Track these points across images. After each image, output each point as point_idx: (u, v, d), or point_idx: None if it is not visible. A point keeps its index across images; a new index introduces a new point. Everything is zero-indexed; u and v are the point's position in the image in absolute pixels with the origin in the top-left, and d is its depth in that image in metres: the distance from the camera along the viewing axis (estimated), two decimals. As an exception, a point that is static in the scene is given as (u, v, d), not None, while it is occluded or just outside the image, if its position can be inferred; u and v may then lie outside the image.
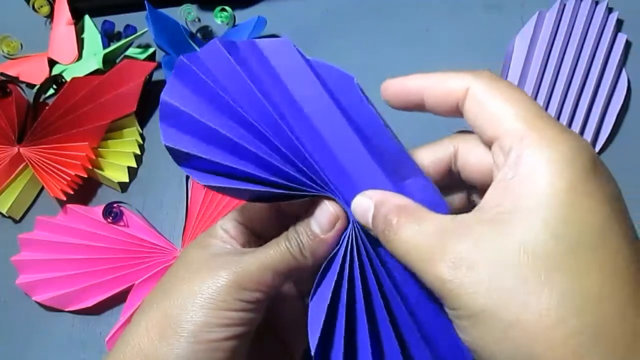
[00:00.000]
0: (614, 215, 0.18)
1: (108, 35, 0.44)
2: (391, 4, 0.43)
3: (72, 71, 0.42)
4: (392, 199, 0.22)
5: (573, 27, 0.40)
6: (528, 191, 0.18)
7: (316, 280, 0.23)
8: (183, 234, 0.37)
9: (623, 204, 0.20)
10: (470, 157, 0.22)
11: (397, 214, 0.21)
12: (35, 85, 0.42)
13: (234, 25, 0.42)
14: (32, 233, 0.38)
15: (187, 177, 0.38)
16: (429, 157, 0.24)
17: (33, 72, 0.43)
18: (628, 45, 0.40)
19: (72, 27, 0.44)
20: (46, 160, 0.39)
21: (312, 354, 0.21)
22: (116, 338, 0.34)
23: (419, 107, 0.23)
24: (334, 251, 0.23)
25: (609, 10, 0.40)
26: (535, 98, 0.39)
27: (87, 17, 0.45)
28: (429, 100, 0.22)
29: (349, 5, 0.44)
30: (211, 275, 0.23)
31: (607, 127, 0.38)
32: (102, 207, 0.38)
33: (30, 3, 0.44)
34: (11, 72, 0.43)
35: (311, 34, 0.43)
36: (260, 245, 0.25)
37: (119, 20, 0.45)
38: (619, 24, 0.41)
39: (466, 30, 0.42)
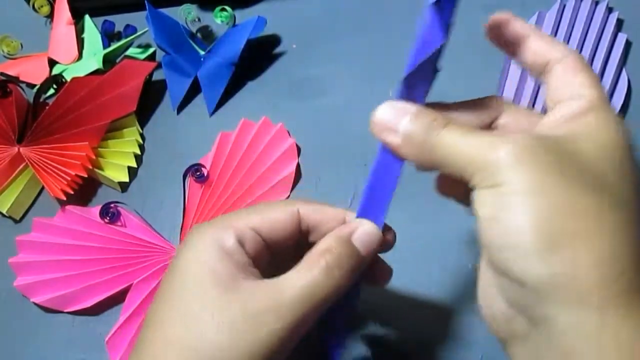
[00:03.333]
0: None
1: (108, 35, 0.45)
2: (391, 4, 0.43)
3: (72, 71, 0.42)
4: (429, 111, 0.22)
5: (573, 27, 0.40)
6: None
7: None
8: (180, 232, 0.37)
9: None
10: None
11: (443, 127, 0.21)
12: (35, 85, 0.42)
13: (234, 25, 0.42)
14: (29, 235, 0.38)
15: (184, 176, 0.39)
16: None
17: (33, 72, 0.43)
18: (628, 45, 0.40)
19: (72, 27, 0.44)
20: (46, 160, 0.39)
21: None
22: (116, 338, 0.34)
23: (510, 52, 0.24)
24: None
25: (609, 10, 0.40)
26: (535, 99, 0.39)
27: (87, 17, 0.45)
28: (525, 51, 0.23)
29: (349, 5, 0.44)
30: (251, 331, 0.21)
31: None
32: (100, 207, 0.38)
33: (31, 3, 0.44)
34: (11, 72, 0.43)
35: (311, 34, 0.43)
36: (274, 271, 0.22)
37: (119, 20, 0.45)
38: (619, 24, 0.41)
39: (466, 30, 0.42)
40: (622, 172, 0.19)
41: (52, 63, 0.43)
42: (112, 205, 0.38)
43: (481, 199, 0.19)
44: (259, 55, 0.43)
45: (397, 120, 0.22)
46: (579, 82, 0.21)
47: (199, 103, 0.42)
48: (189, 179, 0.39)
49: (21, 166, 0.39)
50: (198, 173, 0.38)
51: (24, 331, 0.37)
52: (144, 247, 0.37)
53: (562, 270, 0.18)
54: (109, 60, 0.42)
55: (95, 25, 0.45)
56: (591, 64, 0.39)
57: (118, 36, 0.45)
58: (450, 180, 0.23)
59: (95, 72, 0.42)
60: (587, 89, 0.21)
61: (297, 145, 0.39)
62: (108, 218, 0.37)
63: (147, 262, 0.36)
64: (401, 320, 0.36)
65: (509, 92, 0.39)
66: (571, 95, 0.21)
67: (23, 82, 0.43)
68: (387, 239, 0.25)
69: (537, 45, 0.22)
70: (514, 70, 0.39)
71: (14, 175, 0.39)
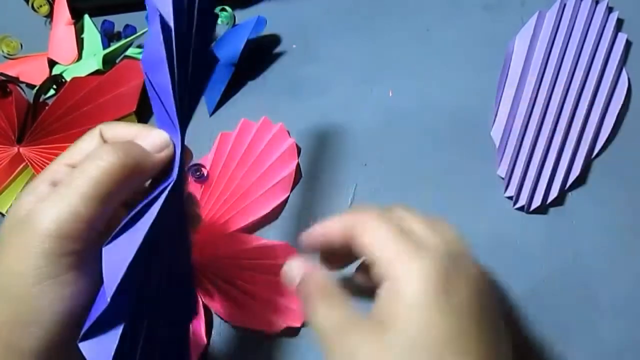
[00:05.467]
0: (459, 323, 0.22)
1: (108, 35, 0.44)
2: (391, 4, 0.43)
3: (72, 71, 0.42)
4: (317, 276, 0.26)
5: (573, 26, 0.40)
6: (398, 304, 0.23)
7: (121, 226, 0.22)
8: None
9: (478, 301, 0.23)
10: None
11: (318, 295, 0.25)
12: (35, 86, 0.42)
13: (233, 25, 0.42)
14: None
15: None
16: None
17: (33, 72, 0.43)
18: (628, 45, 0.40)
19: (72, 27, 0.44)
20: (46, 160, 0.39)
21: (108, 299, 0.21)
22: None
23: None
24: (147, 201, 0.23)
25: (609, 9, 0.40)
26: (535, 98, 0.38)
27: (86, 17, 0.45)
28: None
29: (349, 5, 0.44)
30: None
31: (607, 127, 0.38)
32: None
33: (30, 3, 0.44)
34: (11, 72, 0.42)
35: (311, 34, 0.43)
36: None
37: (119, 20, 0.45)
38: (619, 24, 0.41)
39: (466, 30, 0.42)
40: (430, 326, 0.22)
41: (52, 63, 0.43)
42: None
43: None
44: (259, 55, 0.43)
45: (292, 279, 0.27)
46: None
47: (199, 103, 0.42)
48: (189, 179, 0.39)
49: (21, 166, 0.39)
50: (198, 173, 0.38)
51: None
52: None
53: None
54: (108, 61, 0.42)
55: (95, 25, 0.45)
56: (591, 64, 0.39)
57: (118, 36, 0.45)
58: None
59: (95, 73, 0.42)
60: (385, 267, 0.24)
61: (297, 145, 0.39)
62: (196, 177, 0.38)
63: None
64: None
65: (508, 91, 0.39)
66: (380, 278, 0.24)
67: (23, 82, 0.43)
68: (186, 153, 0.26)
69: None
70: (514, 70, 0.39)
71: (13, 175, 0.39)
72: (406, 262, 0.23)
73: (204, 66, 0.26)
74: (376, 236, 0.25)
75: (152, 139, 0.25)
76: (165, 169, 0.25)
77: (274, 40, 0.44)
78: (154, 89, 0.24)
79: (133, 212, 0.23)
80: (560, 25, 0.40)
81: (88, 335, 0.22)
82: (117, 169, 0.23)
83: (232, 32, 0.42)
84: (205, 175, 0.38)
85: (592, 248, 0.36)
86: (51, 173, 0.25)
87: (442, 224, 0.26)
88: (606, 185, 0.38)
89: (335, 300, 0.25)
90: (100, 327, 0.22)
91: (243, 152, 0.38)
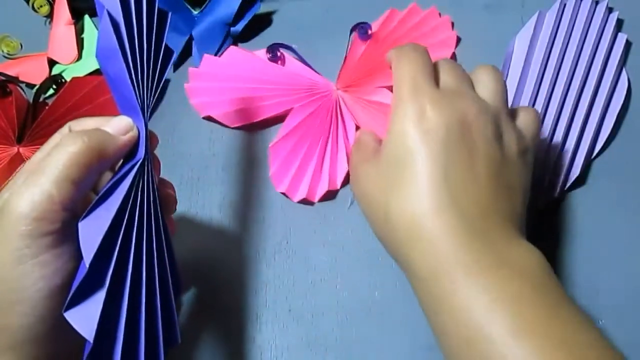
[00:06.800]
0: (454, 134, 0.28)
1: (108, 35, 0.44)
2: (392, 4, 0.43)
3: (72, 71, 0.42)
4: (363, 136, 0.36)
5: (573, 27, 0.40)
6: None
7: (95, 201, 0.24)
8: (338, 75, 0.40)
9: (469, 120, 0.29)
10: None
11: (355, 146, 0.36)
12: (34, 85, 0.42)
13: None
14: (198, 68, 0.41)
15: (351, 31, 0.41)
16: None
17: (33, 72, 0.43)
18: (628, 45, 0.40)
19: (72, 27, 0.44)
20: (46, 160, 0.39)
21: (87, 266, 0.23)
22: (277, 146, 0.38)
23: None
24: (117, 177, 0.25)
25: (609, 10, 0.40)
26: (535, 98, 0.39)
27: (86, 17, 0.45)
28: None
29: (349, 5, 0.44)
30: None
31: (607, 127, 0.38)
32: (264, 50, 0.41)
33: (30, 3, 0.44)
34: (11, 72, 0.42)
35: (311, 34, 0.43)
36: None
37: (119, 20, 0.45)
38: (619, 24, 0.41)
39: (466, 30, 0.42)
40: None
41: (51, 63, 0.43)
42: (277, 45, 0.41)
43: None
44: (259, 55, 0.43)
45: None
46: None
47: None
48: (354, 35, 0.41)
49: (21, 166, 0.39)
50: (362, 30, 0.41)
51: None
52: (304, 80, 0.40)
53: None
54: (108, 60, 0.42)
55: (95, 25, 0.45)
56: (591, 64, 0.39)
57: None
58: None
59: (95, 72, 0.42)
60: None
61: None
62: (270, 54, 0.41)
63: (307, 92, 0.40)
64: (401, 320, 0.36)
65: (509, 89, 0.39)
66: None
67: (23, 82, 0.43)
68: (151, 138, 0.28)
69: None
70: (514, 70, 0.39)
71: (13, 175, 0.39)
72: (406, 100, 0.29)
73: (159, 57, 0.27)
74: (402, 69, 0.30)
75: (115, 123, 0.27)
76: (132, 151, 0.27)
77: (274, 40, 0.44)
78: (112, 79, 0.26)
79: (105, 189, 0.25)
80: (560, 26, 0.40)
81: (72, 304, 0.23)
82: (83, 152, 0.24)
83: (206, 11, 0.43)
84: (369, 34, 0.41)
85: (592, 248, 0.36)
86: (25, 171, 0.26)
87: (483, 78, 0.31)
88: (606, 185, 0.38)
89: (364, 147, 0.34)
90: (83, 295, 0.23)
91: (406, 30, 0.41)
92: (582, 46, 0.39)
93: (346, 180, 0.39)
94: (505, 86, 0.31)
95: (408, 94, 0.29)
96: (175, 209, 0.33)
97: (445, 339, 0.26)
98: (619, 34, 0.40)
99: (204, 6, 0.43)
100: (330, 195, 0.39)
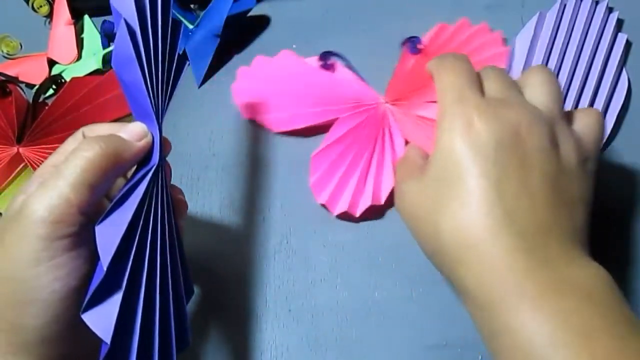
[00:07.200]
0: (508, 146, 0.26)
1: (108, 35, 0.44)
2: (392, 4, 0.43)
3: (72, 71, 0.42)
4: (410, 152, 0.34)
5: (573, 27, 0.40)
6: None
7: (111, 206, 0.25)
8: (387, 87, 0.40)
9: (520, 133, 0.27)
10: None
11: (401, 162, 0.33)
12: (34, 85, 0.42)
13: None
14: (249, 67, 0.41)
15: (402, 44, 0.41)
16: None
17: (32, 72, 0.43)
18: (628, 45, 0.40)
19: (72, 27, 0.44)
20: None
21: (104, 268, 0.23)
22: (320, 155, 0.38)
23: None
24: (133, 183, 0.25)
25: (609, 10, 0.40)
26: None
27: (86, 17, 0.45)
28: None
29: (349, 5, 0.44)
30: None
31: (607, 127, 0.38)
32: (316, 57, 0.41)
33: (30, 3, 0.44)
34: (11, 72, 0.42)
35: (311, 34, 0.43)
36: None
37: (119, 20, 0.45)
38: (620, 24, 0.41)
39: (466, 30, 0.42)
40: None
41: (51, 63, 0.43)
42: (329, 53, 0.41)
43: None
44: (260, 54, 0.43)
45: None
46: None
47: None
48: (404, 48, 0.41)
49: (20, 166, 0.39)
50: (412, 44, 0.40)
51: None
52: (353, 91, 0.40)
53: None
54: (108, 60, 0.42)
55: (95, 25, 0.45)
56: (591, 64, 0.39)
57: (117, 36, 0.45)
58: None
59: (95, 72, 0.42)
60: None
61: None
62: (322, 62, 0.41)
63: (355, 103, 0.39)
64: (401, 320, 0.36)
65: None
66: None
67: (22, 82, 0.43)
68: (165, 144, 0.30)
69: None
70: (515, 71, 0.39)
71: (13, 175, 0.39)
72: (453, 106, 0.27)
73: (173, 67, 0.28)
74: (444, 79, 0.29)
75: (130, 129, 0.27)
76: (146, 157, 0.27)
77: (274, 39, 0.44)
78: (127, 86, 0.26)
79: (120, 194, 0.25)
80: (561, 26, 0.40)
81: (89, 306, 0.24)
82: (100, 157, 0.25)
83: (214, 4, 0.42)
84: (419, 49, 0.40)
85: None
86: (40, 174, 0.27)
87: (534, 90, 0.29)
88: (606, 185, 0.38)
89: (410, 163, 0.32)
90: (100, 297, 0.24)
91: (456, 45, 0.40)
92: (582, 46, 0.39)
93: (391, 197, 0.37)
94: (559, 87, 0.29)
95: (453, 104, 0.27)
96: (186, 214, 0.33)
97: None
98: (619, 34, 0.40)
99: (197, 22, 0.43)
100: (374, 212, 0.37)
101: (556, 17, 0.40)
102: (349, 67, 0.41)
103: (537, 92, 0.28)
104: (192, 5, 0.43)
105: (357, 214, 0.37)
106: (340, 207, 0.37)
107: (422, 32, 0.41)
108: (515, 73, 0.39)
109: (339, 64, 0.41)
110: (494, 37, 0.41)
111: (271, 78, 0.41)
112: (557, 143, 0.27)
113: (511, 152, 0.26)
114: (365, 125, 0.38)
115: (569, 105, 0.38)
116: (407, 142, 0.38)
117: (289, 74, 0.40)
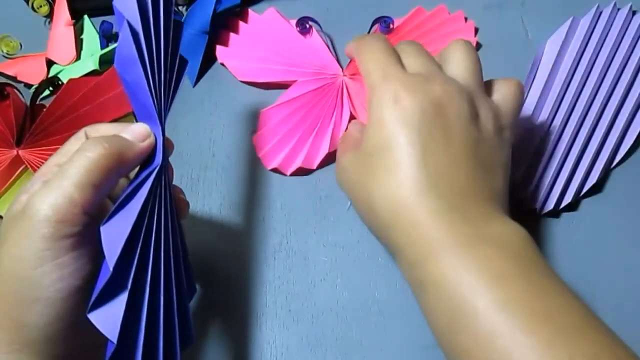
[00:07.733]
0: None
1: (106, 36, 0.44)
2: (392, 4, 0.43)
3: (69, 72, 0.42)
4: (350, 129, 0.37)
5: (607, 35, 0.39)
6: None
7: (115, 207, 0.25)
8: (350, 60, 0.41)
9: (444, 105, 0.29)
10: None
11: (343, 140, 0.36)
12: (32, 85, 0.42)
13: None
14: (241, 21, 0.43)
15: (373, 24, 0.42)
16: None
17: (31, 72, 0.43)
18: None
19: (71, 28, 0.43)
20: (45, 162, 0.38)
21: (110, 268, 0.23)
22: (269, 112, 0.39)
23: None
24: (136, 183, 0.26)
25: (646, 21, 0.39)
26: (559, 104, 0.38)
27: (86, 18, 0.44)
28: None
29: (349, 5, 0.44)
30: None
31: (630, 138, 0.38)
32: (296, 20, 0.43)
33: (30, 3, 0.44)
34: (9, 72, 0.42)
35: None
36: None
37: (118, 21, 0.45)
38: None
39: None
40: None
41: (49, 63, 0.43)
42: (306, 19, 0.42)
43: None
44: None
45: None
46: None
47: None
48: (375, 27, 0.42)
49: (20, 169, 0.39)
50: (384, 24, 0.41)
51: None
52: (318, 57, 0.41)
53: None
54: (106, 61, 0.42)
55: (94, 26, 0.44)
56: (620, 74, 0.38)
57: (116, 37, 0.45)
58: None
59: (92, 73, 0.42)
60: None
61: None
62: (300, 27, 0.42)
63: (316, 69, 0.41)
64: (401, 320, 0.36)
65: (535, 92, 0.39)
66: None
67: (20, 81, 0.43)
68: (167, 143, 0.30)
69: None
70: (541, 74, 0.39)
71: (13, 178, 0.39)
72: (380, 83, 0.29)
73: (175, 67, 0.28)
74: (366, 59, 0.31)
75: (134, 130, 0.27)
76: (149, 157, 0.27)
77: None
78: (130, 86, 0.27)
79: (124, 194, 0.25)
80: (594, 33, 0.39)
81: (95, 306, 0.24)
82: (104, 158, 0.25)
83: (199, 1, 0.42)
84: (390, 29, 0.42)
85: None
86: (42, 174, 0.27)
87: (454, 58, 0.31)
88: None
89: (349, 138, 0.34)
90: (106, 296, 0.24)
91: (425, 30, 0.42)
92: (613, 55, 0.38)
93: (323, 163, 0.39)
94: (478, 61, 0.31)
95: (379, 82, 0.30)
96: (188, 213, 0.33)
97: (433, 318, 0.27)
98: (654, 45, 0.39)
99: (182, 20, 0.42)
100: (303, 172, 0.39)
101: (590, 24, 0.39)
102: (322, 35, 0.42)
103: (457, 67, 0.31)
104: (177, 8, 0.43)
105: (288, 173, 0.39)
106: (274, 163, 0.39)
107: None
108: (542, 76, 0.39)
109: (314, 31, 0.42)
110: (467, 25, 0.41)
111: (251, 31, 0.42)
112: (477, 113, 0.29)
113: (434, 123, 0.28)
114: (319, 93, 0.40)
115: (593, 113, 0.38)
116: (353, 118, 0.40)
117: (268, 30, 0.42)
